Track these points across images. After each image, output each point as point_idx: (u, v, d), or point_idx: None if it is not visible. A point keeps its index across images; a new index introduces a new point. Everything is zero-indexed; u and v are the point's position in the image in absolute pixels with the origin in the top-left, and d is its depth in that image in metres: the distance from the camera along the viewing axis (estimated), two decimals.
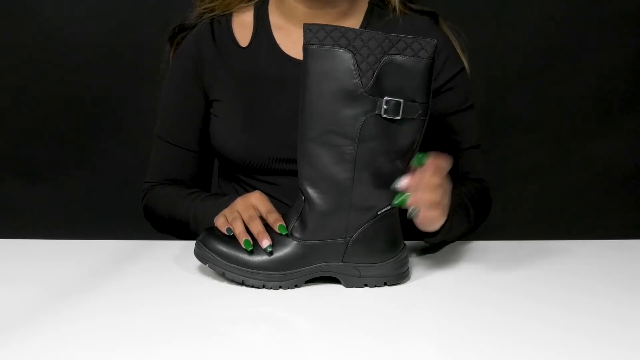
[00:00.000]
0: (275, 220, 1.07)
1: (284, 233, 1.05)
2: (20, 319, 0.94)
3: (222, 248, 1.05)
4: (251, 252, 1.04)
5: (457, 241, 1.25)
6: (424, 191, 1.02)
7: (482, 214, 1.32)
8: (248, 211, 1.09)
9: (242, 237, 1.05)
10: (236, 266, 1.04)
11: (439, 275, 1.10)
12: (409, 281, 1.09)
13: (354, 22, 1.32)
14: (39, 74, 2.13)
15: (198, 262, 1.15)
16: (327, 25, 1.01)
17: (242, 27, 1.34)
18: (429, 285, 1.07)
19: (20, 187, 2.18)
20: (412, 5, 1.34)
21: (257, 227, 1.06)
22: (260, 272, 1.04)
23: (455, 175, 1.33)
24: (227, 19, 1.34)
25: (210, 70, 1.32)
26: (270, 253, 1.04)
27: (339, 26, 1.01)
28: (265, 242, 1.04)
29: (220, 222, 1.09)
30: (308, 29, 1.01)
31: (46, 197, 2.18)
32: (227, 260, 1.05)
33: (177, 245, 1.24)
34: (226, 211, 1.11)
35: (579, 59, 2.17)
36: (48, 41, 2.10)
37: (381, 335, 0.92)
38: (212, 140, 1.34)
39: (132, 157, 2.14)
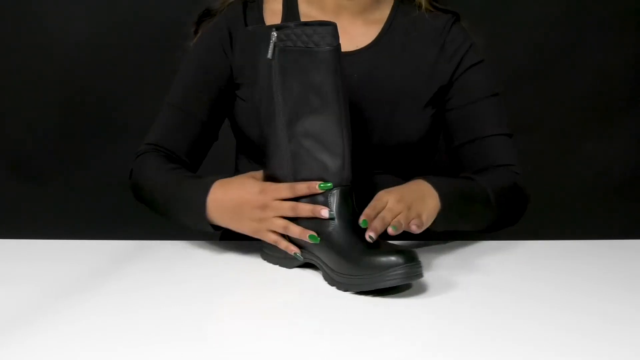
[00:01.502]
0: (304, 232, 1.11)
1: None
2: (20, 319, 0.94)
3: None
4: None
5: (457, 241, 1.25)
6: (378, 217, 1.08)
7: (511, 207, 1.31)
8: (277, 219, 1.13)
9: (291, 249, 1.12)
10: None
11: (438, 275, 1.10)
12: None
13: (380, 15, 1.35)
14: (39, 74, 2.12)
15: (197, 262, 1.16)
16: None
17: (272, 15, 1.35)
18: (428, 285, 1.07)
19: (20, 187, 2.18)
20: (436, 5, 1.37)
21: (295, 231, 1.11)
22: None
23: (481, 166, 1.32)
24: (259, 5, 1.36)
25: (241, 53, 1.33)
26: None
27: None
28: (325, 212, 1.09)
29: (273, 239, 1.13)
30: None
31: (46, 197, 2.18)
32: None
33: (177, 245, 1.24)
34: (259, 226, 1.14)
35: (579, 59, 2.16)
36: (48, 41, 2.10)
37: (380, 336, 0.92)
38: (237, 122, 1.35)
39: (132, 157, 2.15)
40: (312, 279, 1.10)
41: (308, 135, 1.09)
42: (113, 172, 2.17)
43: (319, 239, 1.08)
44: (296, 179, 1.11)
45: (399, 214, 1.08)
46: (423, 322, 0.95)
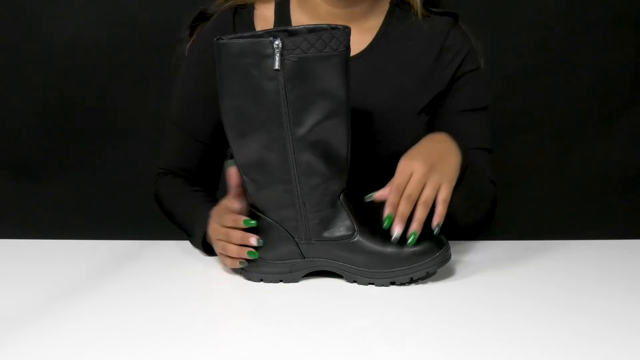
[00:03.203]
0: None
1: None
2: (20, 319, 0.94)
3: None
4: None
5: (456, 241, 1.25)
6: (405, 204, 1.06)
7: (483, 216, 1.31)
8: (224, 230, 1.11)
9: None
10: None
11: (438, 275, 1.10)
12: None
13: (375, 22, 1.33)
14: (39, 74, 2.12)
15: (197, 262, 1.15)
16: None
17: (263, 22, 1.33)
18: (427, 285, 1.07)
19: (20, 187, 2.18)
20: (434, 9, 1.35)
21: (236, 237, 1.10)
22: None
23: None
24: (250, 11, 1.34)
25: None
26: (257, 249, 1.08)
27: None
28: (253, 241, 1.08)
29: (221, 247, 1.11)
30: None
31: (45, 197, 2.18)
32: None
33: (177, 245, 1.24)
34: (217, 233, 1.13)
35: (579, 59, 2.17)
36: (48, 41, 2.10)
37: (379, 335, 0.92)
38: None
39: (132, 157, 2.14)
40: (312, 277, 1.10)
41: (316, 143, 1.05)
42: (113, 172, 2.18)
43: (257, 254, 1.08)
44: (303, 190, 1.07)
45: (423, 186, 1.07)
46: (422, 322, 0.95)
